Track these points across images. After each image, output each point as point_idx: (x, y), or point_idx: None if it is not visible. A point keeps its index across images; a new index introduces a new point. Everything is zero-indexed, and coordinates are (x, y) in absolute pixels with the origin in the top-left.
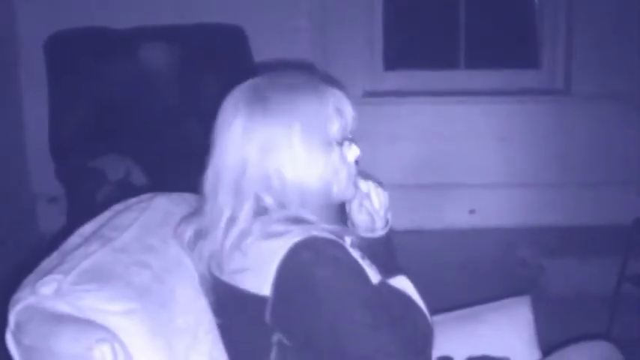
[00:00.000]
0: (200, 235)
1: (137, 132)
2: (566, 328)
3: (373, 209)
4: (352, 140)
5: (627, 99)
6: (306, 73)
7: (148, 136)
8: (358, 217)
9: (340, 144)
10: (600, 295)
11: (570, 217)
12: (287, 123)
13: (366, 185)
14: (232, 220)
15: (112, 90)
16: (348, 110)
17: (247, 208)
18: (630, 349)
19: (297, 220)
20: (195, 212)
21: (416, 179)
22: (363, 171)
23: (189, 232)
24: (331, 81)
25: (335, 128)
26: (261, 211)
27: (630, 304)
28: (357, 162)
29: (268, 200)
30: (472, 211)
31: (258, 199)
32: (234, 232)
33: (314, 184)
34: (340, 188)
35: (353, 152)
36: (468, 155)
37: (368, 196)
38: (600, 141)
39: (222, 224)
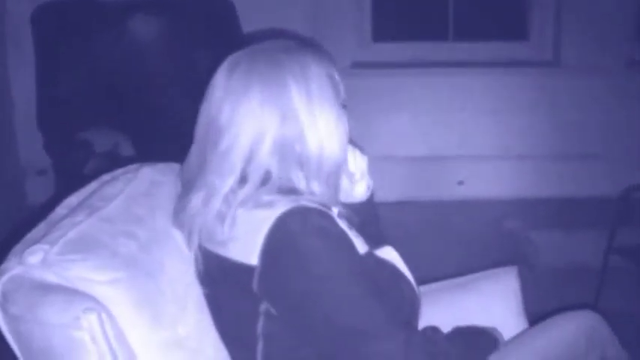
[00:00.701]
0: (192, 206)
1: (125, 104)
2: (553, 299)
3: (350, 172)
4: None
5: (616, 71)
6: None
7: (135, 107)
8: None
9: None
10: (588, 267)
11: (558, 190)
12: (304, 85)
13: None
14: (233, 192)
15: (100, 62)
16: (339, 79)
17: (256, 179)
18: (617, 320)
19: (289, 191)
20: (189, 185)
21: (405, 151)
22: None
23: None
24: (323, 50)
25: (339, 93)
26: (264, 182)
27: (617, 276)
28: None
29: (276, 171)
30: (461, 183)
31: (267, 171)
32: (235, 202)
33: (334, 150)
34: (342, 154)
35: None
36: (456, 127)
37: (345, 159)
38: (589, 113)
39: (224, 194)
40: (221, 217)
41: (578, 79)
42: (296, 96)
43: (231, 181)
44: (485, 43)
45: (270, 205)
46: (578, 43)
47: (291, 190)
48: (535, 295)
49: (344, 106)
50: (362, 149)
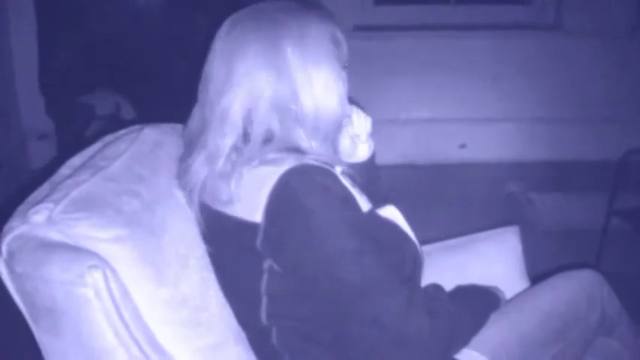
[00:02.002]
0: (194, 165)
1: (126, 67)
2: (554, 261)
3: (354, 133)
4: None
5: (618, 34)
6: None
7: (137, 70)
8: (340, 140)
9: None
10: (588, 230)
11: (559, 153)
12: (300, 45)
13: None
14: (238, 149)
15: (101, 26)
16: (343, 39)
17: (258, 138)
18: (616, 281)
19: (294, 149)
20: (191, 145)
21: (406, 114)
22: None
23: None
24: (325, 11)
25: (342, 54)
26: (267, 140)
27: (617, 238)
28: None
29: (277, 129)
30: (462, 146)
31: (268, 129)
32: (241, 160)
33: (331, 110)
34: (342, 114)
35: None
36: (458, 90)
37: (350, 120)
38: (590, 77)
39: (226, 153)
40: (225, 176)
41: (580, 43)
42: (290, 55)
43: (232, 140)
44: (487, 6)
45: (274, 162)
46: (580, 7)
47: (295, 149)
48: (536, 257)
49: (345, 67)
50: (364, 110)
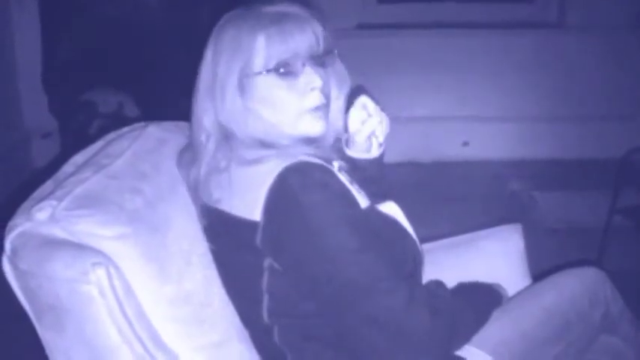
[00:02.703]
0: (191, 162)
1: (129, 64)
2: (557, 259)
3: (374, 133)
4: (321, 66)
5: (620, 32)
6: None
7: (139, 68)
8: (358, 138)
9: (286, 73)
10: (591, 228)
11: (562, 151)
12: (215, 58)
13: (372, 108)
14: (220, 150)
15: (104, 22)
16: (301, 35)
17: (234, 138)
18: (619, 278)
19: (270, 145)
20: (189, 143)
21: (409, 112)
22: (368, 93)
23: (186, 159)
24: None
25: (260, 60)
26: (248, 140)
27: (620, 236)
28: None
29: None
30: (465, 144)
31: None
32: (225, 159)
33: (268, 122)
34: (291, 124)
35: (307, 81)
36: (461, 88)
37: (371, 118)
38: (593, 75)
39: (209, 152)
40: (213, 175)
41: (583, 41)
42: (218, 67)
43: (211, 139)
44: (490, 4)
45: (262, 160)
46: (583, 5)
47: (272, 144)
48: (539, 255)
49: (284, 73)
50: (384, 110)
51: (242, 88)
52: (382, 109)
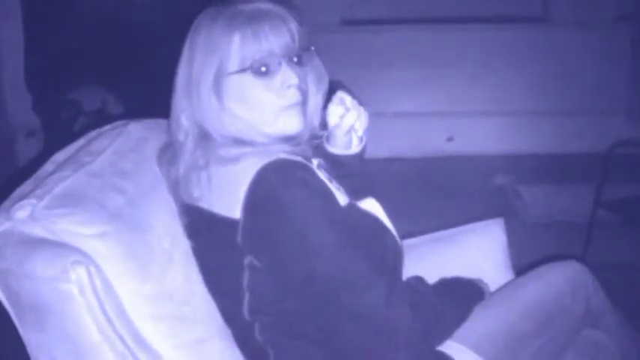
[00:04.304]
0: (171, 160)
1: (112, 61)
2: (541, 253)
3: (353, 127)
4: (297, 64)
5: (604, 26)
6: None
7: (123, 65)
8: (337, 132)
9: (262, 72)
10: (575, 221)
11: (547, 145)
12: (190, 57)
13: (349, 102)
14: (200, 147)
15: (87, 20)
16: (276, 34)
17: (212, 137)
18: (603, 272)
19: (245, 143)
20: (169, 141)
21: (394, 107)
22: (346, 88)
23: (166, 158)
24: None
25: (235, 60)
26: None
27: (604, 229)
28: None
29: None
30: (450, 139)
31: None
32: (204, 157)
33: (244, 120)
34: (268, 122)
35: (283, 80)
36: (446, 83)
37: (349, 113)
38: (577, 68)
39: (187, 150)
40: (192, 173)
41: (567, 35)
42: (184, 66)
43: (189, 138)
44: None
45: (238, 158)
46: None
47: (249, 143)
48: (523, 249)
49: (262, 72)
50: (363, 105)
51: (217, 87)
52: (360, 104)
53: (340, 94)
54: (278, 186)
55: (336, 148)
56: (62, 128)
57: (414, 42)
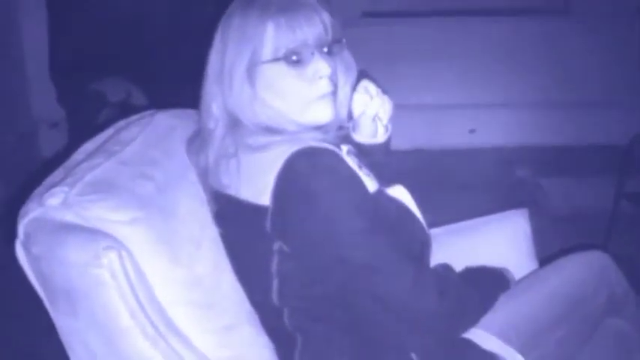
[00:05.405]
0: (200, 148)
1: (136, 52)
2: (563, 245)
3: (377, 115)
4: (329, 55)
5: (626, 18)
6: None
7: (146, 56)
8: (363, 121)
9: (295, 62)
10: (597, 214)
11: (568, 137)
12: (223, 46)
13: (374, 90)
14: (230, 135)
15: (109, 11)
16: (309, 24)
17: (226, 125)
18: (625, 263)
19: (275, 131)
20: (199, 129)
21: (416, 99)
22: (370, 77)
23: (195, 146)
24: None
25: (268, 49)
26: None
27: (626, 222)
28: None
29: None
30: (472, 131)
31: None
32: (234, 146)
33: (275, 110)
34: (299, 111)
35: (315, 70)
36: (468, 75)
37: (373, 100)
38: (598, 61)
39: (217, 138)
40: (222, 161)
41: (589, 27)
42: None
43: (219, 126)
44: None
45: (268, 146)
46: None
47: (279, 131)
48: (545, 241)
49: (294, 60)
50: (387, 93)
51: (250, 76)
52: (385, 92)
53: (364, 83)
54: (307, 173)
55: (362, 137)
56: (86, 120)
57: (436, 34)
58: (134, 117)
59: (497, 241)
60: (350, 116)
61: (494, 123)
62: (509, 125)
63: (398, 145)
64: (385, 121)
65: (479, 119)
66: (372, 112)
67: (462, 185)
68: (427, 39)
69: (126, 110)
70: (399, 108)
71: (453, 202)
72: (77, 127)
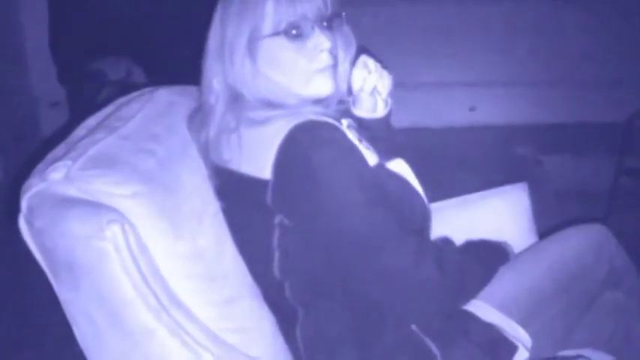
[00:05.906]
0: (201, 124)
1: (136, 31)
2: (563, 220)
3: (376, 90)
4: (329, 29)
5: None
6: None
7: (147, 35)
8: (362, 96)
9: (295, 36)
10: (597, 190)
11: (568, 114)
12: (223, 21)
13: (372, 65)
14: (230, 111)
15: None
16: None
17: (227, 100)
18: (625, 238)
19: (276, 105)
20: (199, 105)
21: (416, 78)
22: (369, 52)
23: (196, 122)
24: None
25: (269, 23)
26: (258, 100)
27: (626, 198)
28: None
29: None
30: (472, 109)
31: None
32: (235, 120)
33: (275, 84)
34: (300, 85)
35: (315, 43)
36: (467, 54)
37: (371, 75)
38: (599, 39)
39: (218, 113)
40: (223, 136)
41: (588, 5)
42: (216, 30)
43: (220, 101)
44: None
45: (269, 120)
46: None
47: (280, 105)
48: (545, 217)
49: (295, 35)
50: (387, 68)
51: (251, 50)
52: (385, 67)
53: (363, 58)
54: (308, 146)
55: (362, 111)
56: (87, 98)
57: (436, 13)
58: (134, 94)
59: (497, 215)
60: (350, 91)
61: (495, 101)
62: (510, 103)
63: (398, 122)
64: (384, 95)
65: (479, 97)
66: (371, 86)
67: (462, 163)
68: (427, 18)
69: (126, 89)
70: (398, 86)
71: (453, 179)
72: (78, 106)
